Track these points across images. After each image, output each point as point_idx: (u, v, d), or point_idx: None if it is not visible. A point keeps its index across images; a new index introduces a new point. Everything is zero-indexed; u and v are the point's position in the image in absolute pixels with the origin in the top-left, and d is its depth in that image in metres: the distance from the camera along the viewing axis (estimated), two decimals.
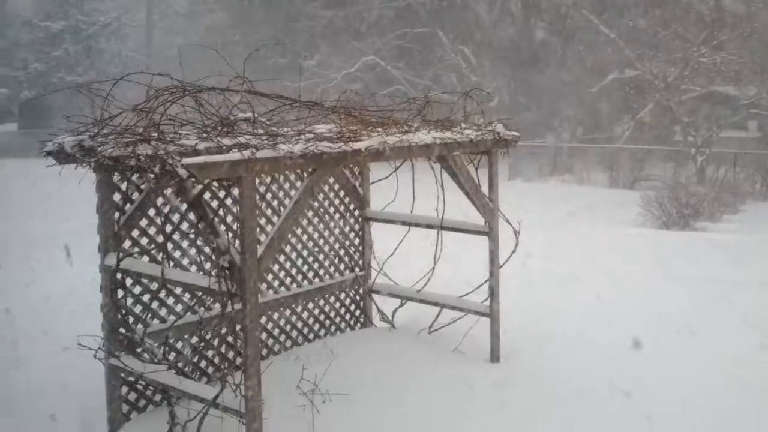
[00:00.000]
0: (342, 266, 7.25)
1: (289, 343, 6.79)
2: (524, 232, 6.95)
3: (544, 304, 8.51)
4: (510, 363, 6.67)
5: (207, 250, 5.60)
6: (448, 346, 6.86)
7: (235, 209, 5.77)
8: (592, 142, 29.50)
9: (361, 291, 7.50)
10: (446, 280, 7.55)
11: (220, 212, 5.58)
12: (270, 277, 6.55)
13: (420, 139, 5.58)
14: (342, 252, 7.24)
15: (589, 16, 28.02)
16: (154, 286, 5.47)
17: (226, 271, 4.52)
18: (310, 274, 6.94)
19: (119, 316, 5.33)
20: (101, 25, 42.78)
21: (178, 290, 5.64)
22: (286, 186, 6.57)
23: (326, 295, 7.13)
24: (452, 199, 6.71)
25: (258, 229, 5.41)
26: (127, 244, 5.35)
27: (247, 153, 4.31)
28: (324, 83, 28.33)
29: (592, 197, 19.74)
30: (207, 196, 5.36)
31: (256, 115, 5.40)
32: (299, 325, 6.90)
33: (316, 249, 6.97)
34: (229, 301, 4.59)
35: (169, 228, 5.48)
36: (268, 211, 6.44)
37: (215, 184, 5.31)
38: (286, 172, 6.37)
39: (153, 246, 5.52)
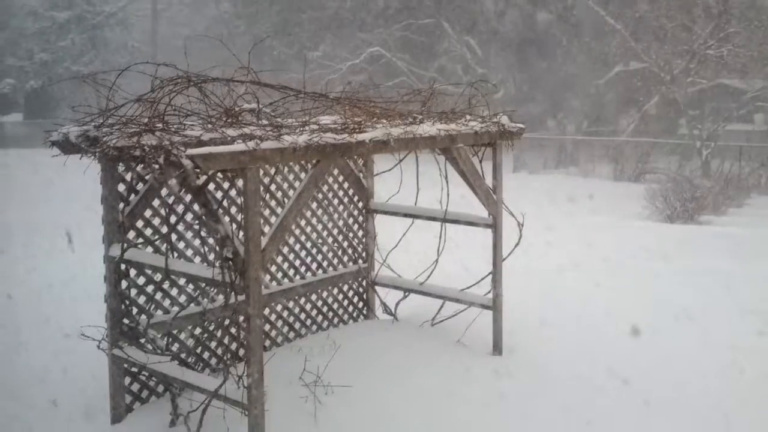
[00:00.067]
0: (345, 258, 7.25)
1: (291, 334, 6.80)
2: (528, 225, 6.95)
3: (545, 294, 8.55)
4: (512, 354, 6.67)
5: (211, 241, 5.60)
6: (450, 338, 6.86)
7: (239, 200, 5.77)
8: (597, 135, 29.42)
9: (364, 283, 7.50)
10: (449, 272, 7.55)
11: (224, 203, 5.58)
12: (273, 268, 6.55)
13: (424, 131, 5.57)
14: (345, 244, 7.24)
15: (595, 7, 27.90)
16: (158, 276, 5.47)
17: (230, 262, 4.52)
18: (314, 266, 6.93)
19: (123, 306, 5.34)
20: (106, 15, 42.79)
21: (181, 281, 5.65)
22: (290, 177, 6.57)
23: (329, 287, 7.12)
24: (457, 191, 6.71)
25: (262, 221, 5.40)
26: (131, 234, 5.35)
27: (251, 144, 4.30)
28: (329, 74, 28.31)
29: (597, 190, 19.70)
30: (211, 187, 5.36)
31: (260, 106, 5.40)
32: (302, 316, 6.91)
33: (320, 240, 6.96)
34: (233, 292, 4.60)
35: (173, 219, 5.48)
36: (272, 203, 6.43)
37: (219, 175, 5.31)
38: (291, 163, 6.37)
39: (157, 237, 5.52)
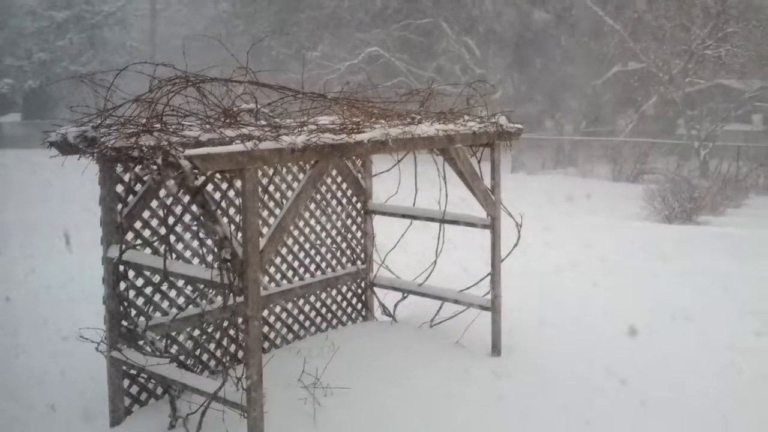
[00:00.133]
0: (344, 259, 7.24)
1: (290, 336, 6.79)
2: (526, 225, 6.94)
3: (544, 294, 8.56)
4: (511, 354, 6.67)
5: (209, 242, 5.59)
6: (449, 339, 6.85)
7: (237, 201, 5.76)
8: (596, 135, 29.43)
9: (362, 284, 7.49)
10: (448, 273, 7.54)
11: (223, 204, 5.57)
12: (272, 269, 6.53)
13: (423, 131, 5.56)
14: (344, 245, 7.23)
15: (593, 7, 27.91)
16: (156, 278, 5.46)
17: (228, 263, 4.51)
18: (312, 267, 6.92)
19: (121, 308, 5.33)
20: (105, 15, 42.76)
21: (180, 283, 5.64)
22: (289, 178, 6.56)
23: (328, 288, 7.11)
24: (456, 192, 6.70)
25: (260, 222, 5.39)
26: (129, 236, 5.33)
27: (249, 144, 4.29)
28: (327, 74, 28.31)
29: (595, 190, 19.70)
30: (210, 188, 5.35)
31: (259, 107, 5.39)
32: (301, 318, 6.90)
33: (318, 241, 6.95)
34: (231, 294, 4.58)
35: (171, 220, 5.46)
36: (271, 203, 6.42)
37: (218, 175, 5.30)
38: (289, 164, 6.36)
39: (155, 238, 5.51)
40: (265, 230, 5.60)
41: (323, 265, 7.02)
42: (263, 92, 5.41)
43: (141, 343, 5.34)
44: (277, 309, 6.66)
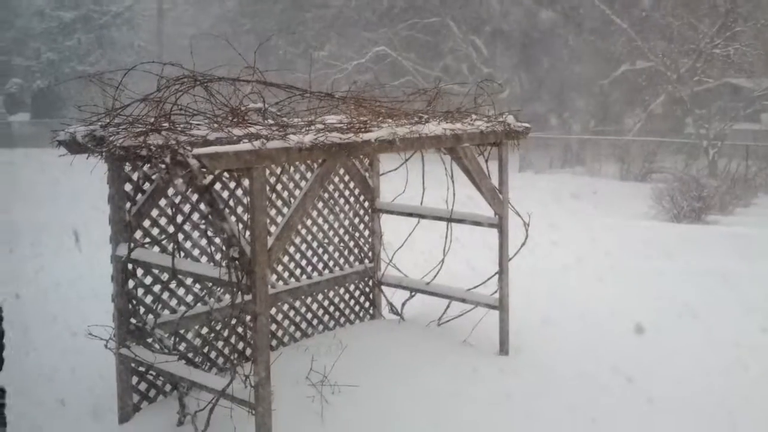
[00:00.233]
0: (351, 258, 7.25)
1: (298, 334, 6.81)
2: (534, 224, 6.94)
3: (551, 293, 8.54)
4: (518, 353, 6.67)
5: (217, 240, 5.61)
6: (457, 338, 6.86)
7: (245, 200, 5.78)
8: (604, 134, 29.38)
9: (370, 283, 7.50)
10: (455, 271, 7.55)
11: (231, 203, 5.59)
12: (280, 268, 6.56)
13: (430, 131, 5.57)
14: (351, 243, 7.24)
15: (601, 6, 27.85)
16: (165, 276, 5.49)
17: (236, 261, 4.53)
18: (320, 265, 6.94)
19: (130, 306, 5.36)
20: (113, 15, 42.89)
21: (188, 281, 5.66)
22: (296, 177, 6.58)
23: (336, 287, 7.13)
24: (464, 191, 6.70)
25: (268, 220, 5.41)
26: (138, 234, 5.36)
27: (257, 143, 4.30)
28: (335, 74, 28.34)
29: (603, 189, 19.67)
30: (218, 186, 5.37)
31: (266, 106, 5.41)
32: (309, 316, 6.91)
33: (326, 240, 6.97)
34: (239, 292, 4.60)
35: (180, 218, 5.49)
36: (278, 202, 6.44)
37: (226, 174, 5.32)
38: (297, 162, 6.37)
39: (164, 236, 5.54)
40: (273, 229, 5.62)
41: (331, 263, 7.04)
42: (271, 91, 5.42)
43: (149, 340, 5.37)
44: (285, 307, 6.68)
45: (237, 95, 5.20)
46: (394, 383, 5.90)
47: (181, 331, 5.64)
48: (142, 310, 5.43)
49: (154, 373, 5.47)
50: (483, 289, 6.94)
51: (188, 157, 4.06)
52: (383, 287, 7.55)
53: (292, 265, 6.67)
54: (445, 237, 7.00)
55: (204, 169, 4.12)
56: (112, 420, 5.38)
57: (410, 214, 7.17)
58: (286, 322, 6.70)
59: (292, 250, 6.66)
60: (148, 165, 4.46)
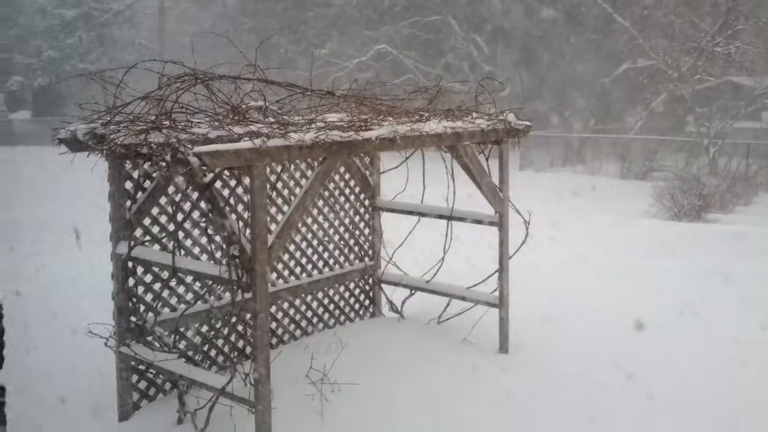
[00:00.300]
0: (352, 256, 7.25)
1: (298, 332, 6.81)
2: (534, 222, 6.95)
3: (551, 291, 8.56)
4: (518, 351, 6.67)
5: (217, 238, 5.61)
6: (457, 336, 6.86)
7: (246, 198, 5.78)
8: (605, 132, 29.36)
9: (370, 280, 7.50)
10: (455, 269, 7.55)
11: (231, 201, 5.59)
12: (280, 266, 6.56)
13: (431, 129, 5.56)
14: (352, 241, 7.24)
15: (602, 4, 27.82)
16: (165, 274, 5.49)
17: (237, 259, 4.53)
18: (320, 264, 6.94)
19: (130, 303, 5.36)
20: (114, 13, 42.86)
21: (188, 278, 5.67)
22: (297, 175, 6.58)
23: (336, 285, 7.13)
24: (464, 189, 6.70)
25: (268, 218, 5.41)
26: (138, 232, 5.36)
27: (258, 141, 4.31)
28: (336, 72, 28.32)
29: (604, 188, 19.66)
30: (218, 184, 5.37)
31: (267, 104, 5.41)
32: (309, 314, 6.92)
33: (326, 238, 6.97)
34: (239, 290, 4.61)
35: (180, 216, 5.49)
36: (279, 200, 6.44)
37: (226, 172, 5.32)
38: (297, 160, 6.37)
39: (164, 234, 5.54)
40: (273, 227, 5.62)
41: (331, 261, 7.04)
42: (272, 90, 5.43)
43: (149, 338, 5.38)
44: (285, 305, 6.68)
45: (238, 93, 5.20)
46: (394, 381, 5.90)
47: (181, 329, 5.65)
48: (142, 308, 5.43)
49: (154, 371, 5.48)
50: (483, 287, 6.94)
51: (189, 155, 4.06)
52: (383, 285, 7.55)
53: (292, 263, 6.68)
54: (446, 235, 7.00)
55: (204, 167, 4.12)
56: (111, 418, 5.39)
57: (410, 212, 7.18)
58: (286, 320, 6.70)
59: (292, 248, 6.66)
60: (149, 163, 4.46)
